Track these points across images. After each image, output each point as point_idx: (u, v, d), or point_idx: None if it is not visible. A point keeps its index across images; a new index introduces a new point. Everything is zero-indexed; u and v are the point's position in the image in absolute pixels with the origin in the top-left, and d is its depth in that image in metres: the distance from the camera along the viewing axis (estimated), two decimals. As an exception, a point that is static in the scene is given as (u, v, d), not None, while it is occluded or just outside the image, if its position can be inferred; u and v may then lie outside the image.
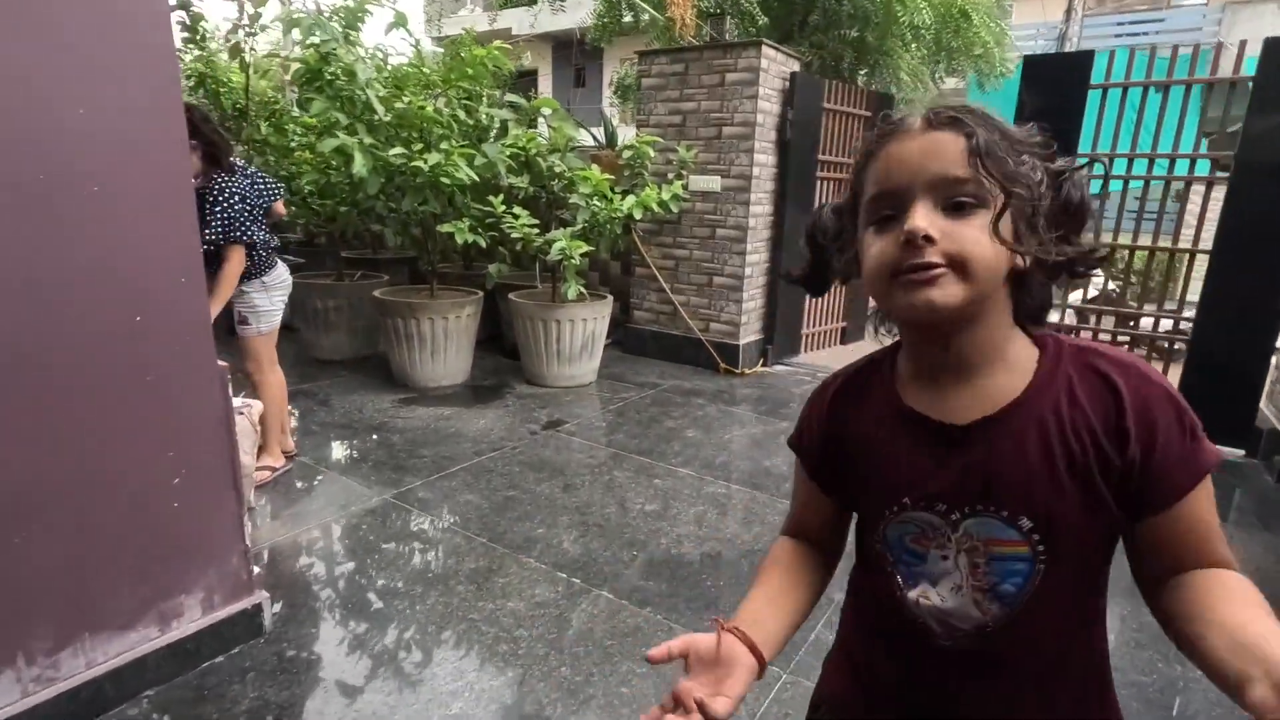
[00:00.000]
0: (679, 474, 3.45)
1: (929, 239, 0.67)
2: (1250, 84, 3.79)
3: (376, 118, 4.07)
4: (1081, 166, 0.71)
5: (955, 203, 0.68)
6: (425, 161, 3.82)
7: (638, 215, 4.35)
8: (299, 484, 3.21)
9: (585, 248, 4.10)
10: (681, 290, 5.44)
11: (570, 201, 4.39)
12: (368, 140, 3.89)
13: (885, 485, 0.80)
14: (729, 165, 5.06)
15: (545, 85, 20.23)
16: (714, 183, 5.11)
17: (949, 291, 0.67)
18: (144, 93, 1.69)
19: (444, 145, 3.92)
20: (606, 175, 4.50)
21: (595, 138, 7.11)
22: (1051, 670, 0.77)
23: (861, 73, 6.52)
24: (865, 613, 0.90)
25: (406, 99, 4.18)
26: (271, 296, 3.15)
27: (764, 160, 5.08)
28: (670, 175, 5.12)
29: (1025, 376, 0.73)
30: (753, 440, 3.94)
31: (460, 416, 4.13)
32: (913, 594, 0.79)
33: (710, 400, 4.63)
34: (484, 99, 5.02)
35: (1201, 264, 4.09)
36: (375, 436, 3.80)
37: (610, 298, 4.93)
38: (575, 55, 18.06)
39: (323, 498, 3.08)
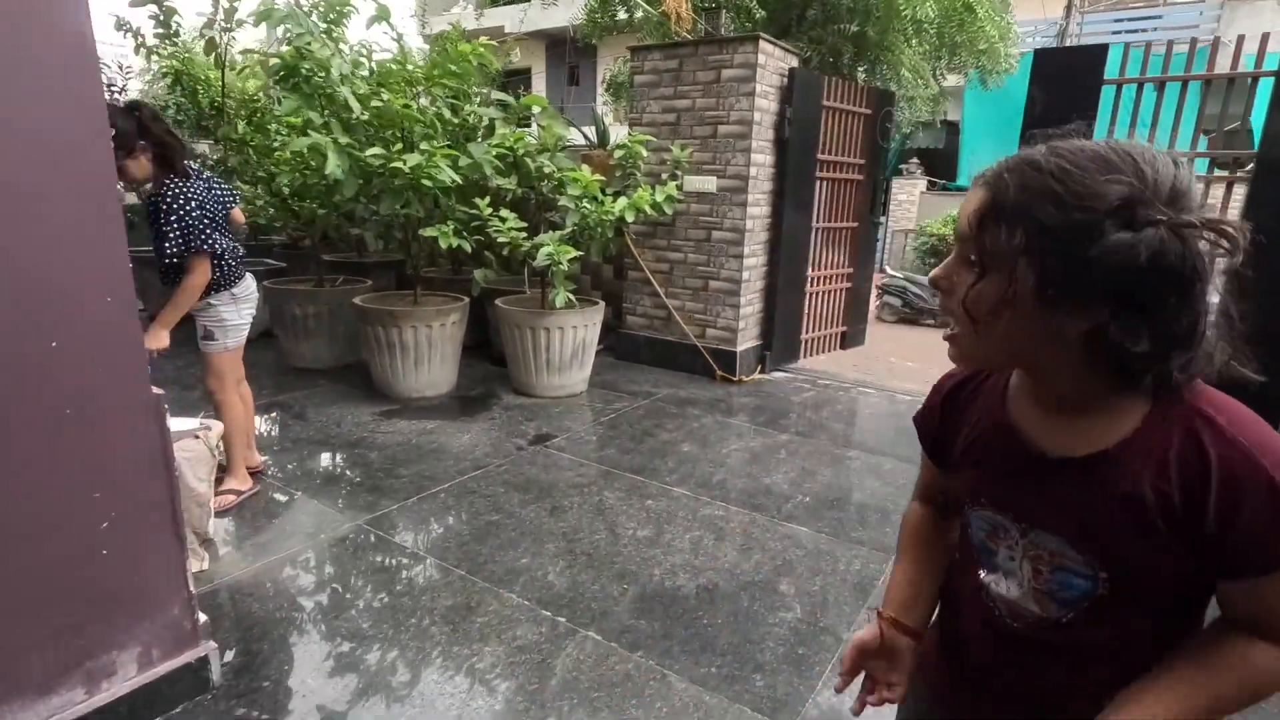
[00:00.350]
0: (673, 494, 3.23)
1: (938, 286, 0.74)
2: (1252, 80, 3.60)
3: (354, 116, 3.84)
4: (1184, 228, 0.60)
5: (970, 260, 0.70)
6: (405, 162, 3.59)
7: (630, 218, 4.13)
8: (266, 508, 2.98)
9: (574, 253, 3.88)
10: (676, 295, 5.23)
11: (559, 204, 4.17)
12: (344, 140, 3.66)
13: (972, 480, 0.85)
14: (725, 165, 4.84)
15: (539, 84, 19.98)
16: (709, 183, 4.90)
17: (958, 342, 0.74)
18: (58, 83, 1.47)
19: (425, 145, 3.69)
20: (597, 176, 4.28)
21: (587, 137, 6.88)
22: (1117, 667, 0.76)
23: (861, 69, 6.31)
24: (954, 586, 0.95)
25: (387, 96, 3.95)
26: (240, 309, 2.92)
27: (761, 160, 4.87)
28: (664, 176, 4.91)
29: (1128, 427, 0.71)
30: (751, 455, 3.73)
31: (444, 431, 3.90)
32: (987, 579, 0.85)
33: (706, 410, 4.42)
34: (473, 98, 4.81)
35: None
36: (352, 453, 3.58)
37: (602, 304, 4.71)
38: (569, 53, 17.82)
39: (290, 524, 2.85)
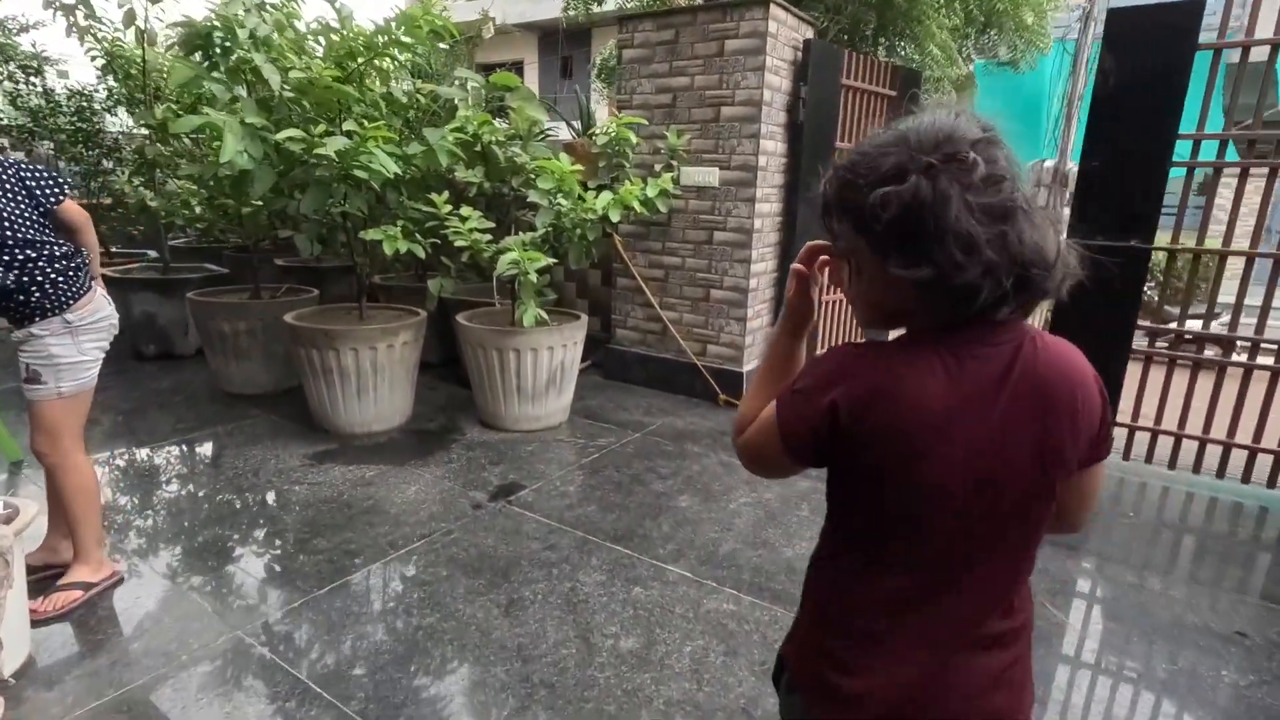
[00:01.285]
0: (668, 575, 2.46)
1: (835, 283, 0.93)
2: None
3: (276, 93, 3.06)
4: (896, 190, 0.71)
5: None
6: (327, 147, 2.81)
7: (615, 217, 3.35)
8: (119, 611, 2.21)
9: (544, 261, 3.09)
10: (672, 305, 4.45)
11: (529, 199, 3.39)
12: (256, 120, 2.87)
13: None
14: (729, 154, 4.06)
15: (531, 76, 19.16)
16: (711, 175, 4.12)
17: (857, 317, 0.89)
18: None
19: (353, 127, 2.89)
20: (576, 167, 3.49)
21: (574, 128, 6.09)
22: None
23: (882, 43, 5.50)
24: None
25: (316, 69, 3.16)
26: (81, 342, 2.13)
27: (772, 148, 4.09)
28: (657, 167, 4.12)
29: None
30: (766, 512, 2.96)
31: (385, 481, 3.13)
32: None
33: (708, 447, 3.64)
34: (441, 79, 4.03)
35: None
36: (263, 514, 2.81)
37: (584, 318, 3.93)
38: (560, 45, 16.99)
39: (146, 636, 2.08)
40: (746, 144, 3.99)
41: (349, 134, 2.97)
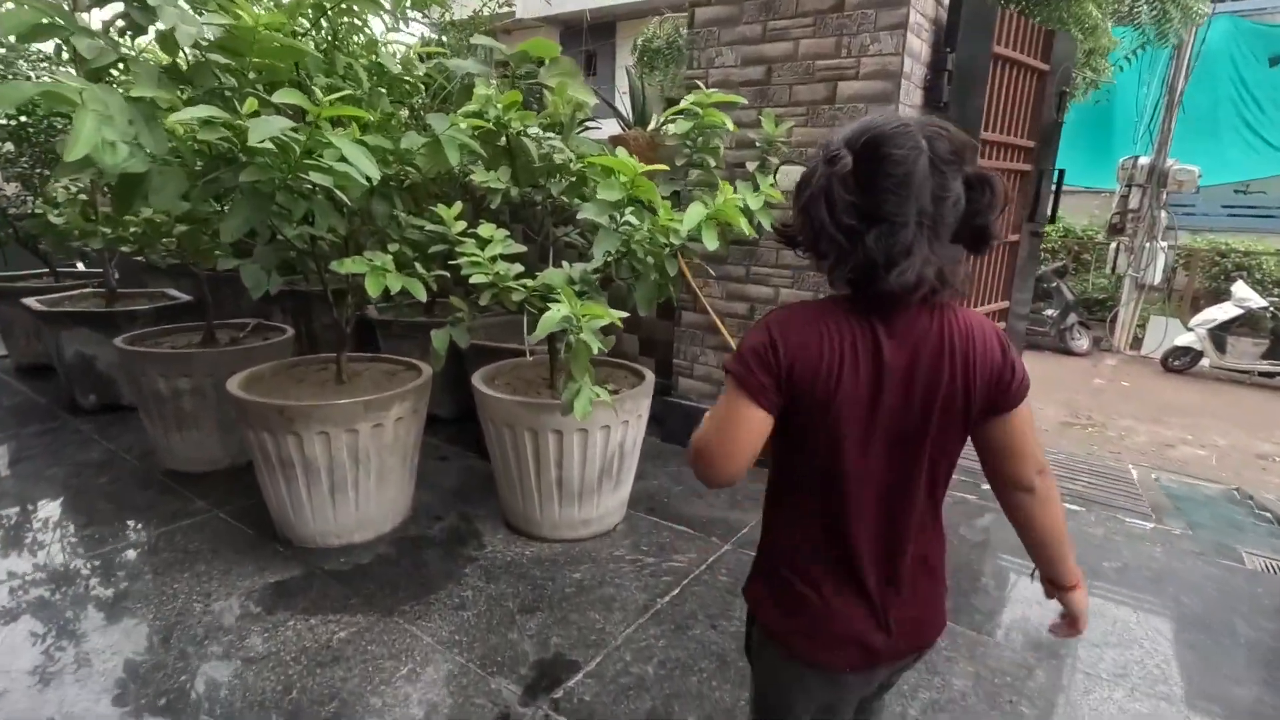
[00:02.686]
0: None
1: None
2: None
3: (186, 51, 1.92)
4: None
5: None
6: (256, 133, 1.65)
7: (712, 244, 2.14)
8: None
9: (609, 316, 1.89)
10: (759, 350, 3.28)
11: (581, 214, 2.21)
12: (149, 92, 1.73)
13: None
14: (848, 147, 2.88)
15: (553, 74, 17.98)
16: (822, 177, 2.94)
17: None
18: None
19: (297, 100, 1.72)
20: (657, 166, 2.31)
21: (622, 117, 4.92)
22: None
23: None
24: None
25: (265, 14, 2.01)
26: None
27: (907, 138, 2.90)
28: (751, 166, 2.93)
29: None
30: (989, 692, 1.78)
31: (362, 653, 1.98)
32: None
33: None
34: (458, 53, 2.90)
35: None
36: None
37: (649, 378, 2.75)
38: (584, 38, 15.82)
39: None
40: (875, 133, 2.80)
41: (299, 114, 1.82)
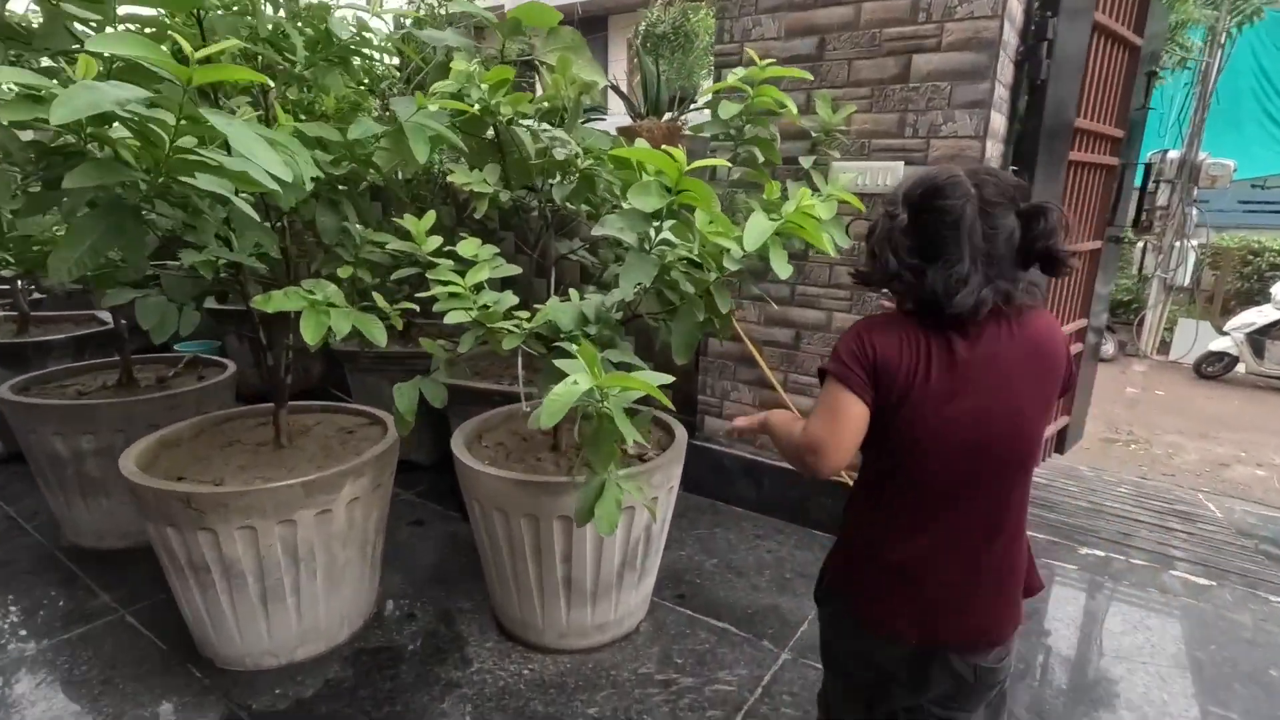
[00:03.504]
0: None
1: None
2: None
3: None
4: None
5: None
6: (70, 102, 0.99)
7: (784, 270, 1.47)
8: None
9: (646, 385, 1.22)
10: (808, 387, 2.64)
11: (599, 231, 1.56)
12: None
13: None
14: (926, 136, 2.24)
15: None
16: (892, 176, 2.30)
17: None
18: None
19: (160, 61, 1.07)
20: (713, 162, 1.65)
21: (633, 105, 4.26)
22: None
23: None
24: None
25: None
26: None
27: (997, 126, 2.27)
28: (806, 162, 2.28)
29: None
30: None
31: None
32: None
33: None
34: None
35: None
36: None
37: (681, 434, 2.10)
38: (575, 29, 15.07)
39: None
40: (962, 119, 2.17)
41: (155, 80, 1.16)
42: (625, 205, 1.36)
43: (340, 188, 1.85)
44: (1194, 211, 7.27)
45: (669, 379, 1.28)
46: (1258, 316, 6.60)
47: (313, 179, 1.41)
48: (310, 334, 1.56)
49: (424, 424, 2.90)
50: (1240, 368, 6.78)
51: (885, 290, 1.07)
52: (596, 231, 1.46)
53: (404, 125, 1.65)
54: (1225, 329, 6.81)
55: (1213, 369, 6.87)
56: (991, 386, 0.98)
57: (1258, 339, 6.56)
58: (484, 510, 1.86)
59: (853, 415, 1.00)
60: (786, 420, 1.18)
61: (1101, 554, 2.62)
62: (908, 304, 1.01)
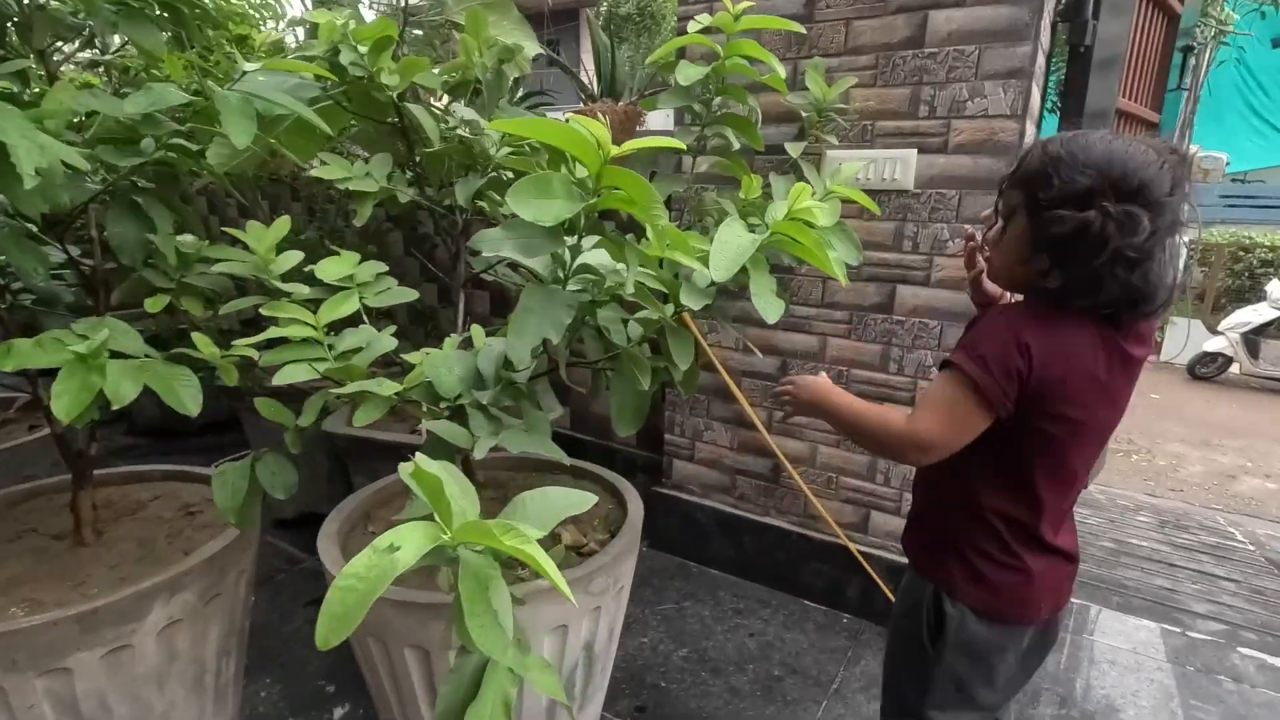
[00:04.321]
0: None
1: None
2: None
3: None
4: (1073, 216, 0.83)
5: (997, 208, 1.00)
6: None
7: (773, 312, 0.94)
8: None
9: (515, 548, 0.68)
10: (795, 427, 2.12)
11: (485, 250, 1.01)
12: None
13: None
14: (946, 117, 1.73)
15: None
16: (901, 166, 1.78)
17: (991, 264, 1.05)
18: None
19: None
20: (678, 143, 1.12)
21: (584, 87, 3.73)
22: None
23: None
24: None
25: None
26: None
27: (1035, 103, 1.76)
28: (795, 150, 1.74)
29: None
30: None
31: None
32: None
33: None
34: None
35: None
36: None
37: (635, 508, 1.55)
38: (546, 25, 14.47)
39: None
40: (994, 92, 1.65)
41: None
42: (520, 210, 0.81)
43: (141, 184, 1.28)
44: (1185, 205, 6.90)
45: (588, 503, 0.74)
46: (1253, 315, 6.26)
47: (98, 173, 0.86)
48: (64, 406, 1.01)
49: (334, 469, 2.36)
50: (1234, 369, 6.44)
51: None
52: (486, 250, 0.91)
53: (215, 97, 1.09)
54: (1220, 329, 6.46)
55: (1207, 370, 6.52)
56: (1129, 385, 0.97)
57: (1253, 339, 6.22)
58: (358, 638, 1.31)
59: (978, 425, 0.94)
60: (856, 400, 1.06)
61: (1152, 625, 2.13)
62: (1082, 306, 0.89)
